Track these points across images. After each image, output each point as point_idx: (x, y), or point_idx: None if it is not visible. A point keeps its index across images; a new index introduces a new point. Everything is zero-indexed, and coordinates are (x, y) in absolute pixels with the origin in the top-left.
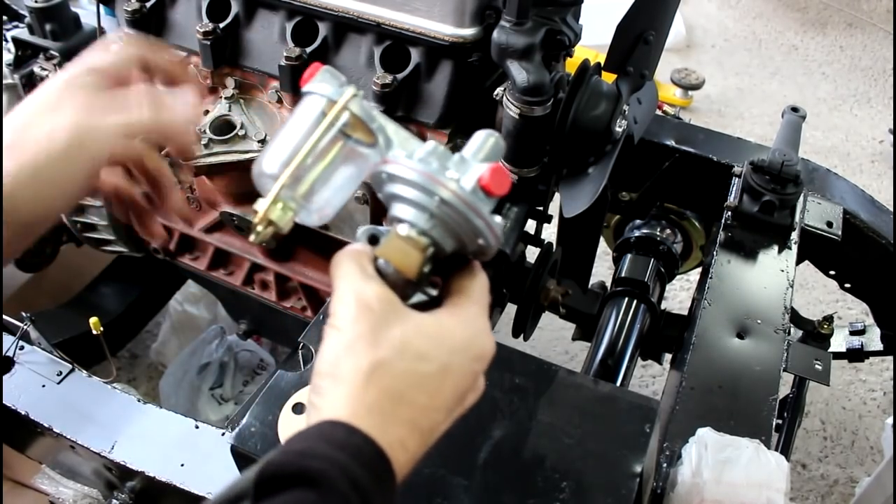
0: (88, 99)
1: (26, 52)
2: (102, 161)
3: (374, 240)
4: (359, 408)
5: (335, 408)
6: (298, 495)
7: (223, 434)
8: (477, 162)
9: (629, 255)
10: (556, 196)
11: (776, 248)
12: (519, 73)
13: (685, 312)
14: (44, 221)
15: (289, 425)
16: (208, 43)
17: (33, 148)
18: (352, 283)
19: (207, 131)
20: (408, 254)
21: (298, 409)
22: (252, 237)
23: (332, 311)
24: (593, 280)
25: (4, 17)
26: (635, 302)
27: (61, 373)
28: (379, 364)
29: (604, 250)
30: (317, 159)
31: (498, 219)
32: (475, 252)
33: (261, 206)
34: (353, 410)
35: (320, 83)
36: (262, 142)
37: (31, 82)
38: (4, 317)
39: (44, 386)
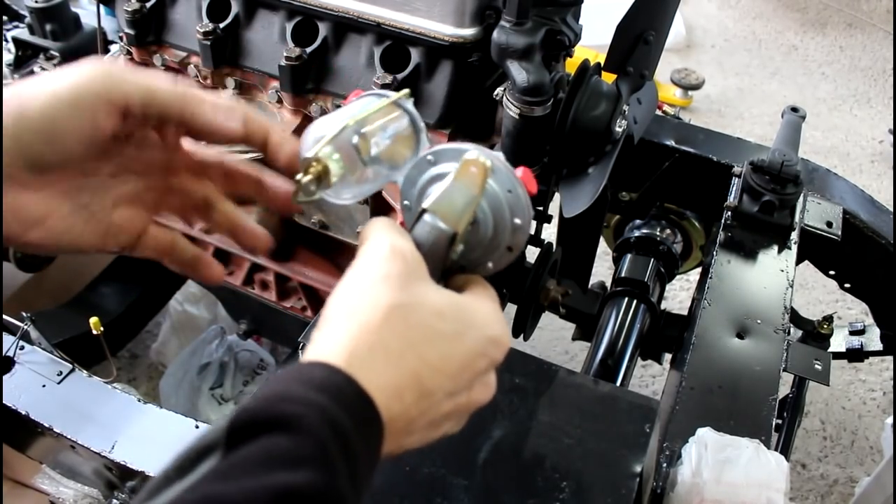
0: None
1: (26, 53)
2: (118, 106)
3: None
4: (361, 345)
5: (337, 340)
6: (271, 441)
7: None
8: None
9: (629, 255)
10: (556, 196)
11: (776, 248)
12: (519, 73)
13: (685, 312)
14: (57, 158)
15: None
16: (208, 43)
17: (50, 80)
18: (388, 235)
19: None
20: (463, 197)
21: None
22: (299, 193)
23: (360, 255)
24: (593, 280)
25: (4, 17)
26: (635, 302)
27: (61, 373)
28: (400, 306)
29: (604, 250)
30: (378, 125)
31: (532, 211)
32: (502, 251)
33: (319, 149)
34: (354, 347)
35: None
36: None
37: None
38: (4, 317)
39: (44, 386)
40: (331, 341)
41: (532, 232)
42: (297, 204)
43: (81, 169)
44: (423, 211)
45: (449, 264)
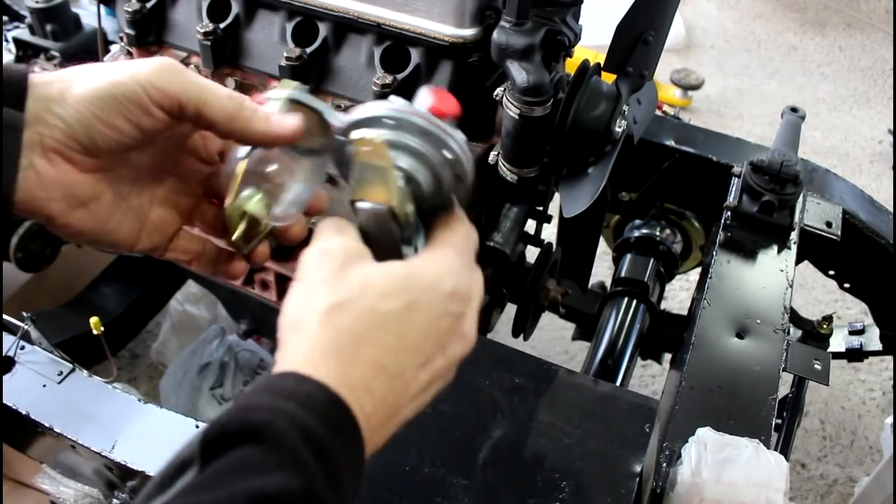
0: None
1: (27, 53)
2: (174, 101)
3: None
4: (314, 353)
5: (291, 358)
6: (243, 452)
7: None
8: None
9: (629, 255)
10: (556, 196)
11: (776, 248)
12: (519, 73)
13: (685, 312)
14: (111, 142)
15: None
16: (208, 43)
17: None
18: (318, 241)
19: None
20: (377, 174)
21: None
22: (241, 247)
23: (298, 267)
24: (593, 280)
25: (5, 18)
26: (635, 302)
27: (62, 373)
28: (337, 304)
29: (604, 250)
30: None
31: (459, 133)
32: (452, 185)
33: (231, 203)
34: (307, 357)
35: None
36: None
37: None
38: (5, 317)
39: (44, 386)
40: (288, 357)
41: (532, 232)
42: (247, 248)
43: (127, 160)
44: (353, 201)
45: (412, 224)
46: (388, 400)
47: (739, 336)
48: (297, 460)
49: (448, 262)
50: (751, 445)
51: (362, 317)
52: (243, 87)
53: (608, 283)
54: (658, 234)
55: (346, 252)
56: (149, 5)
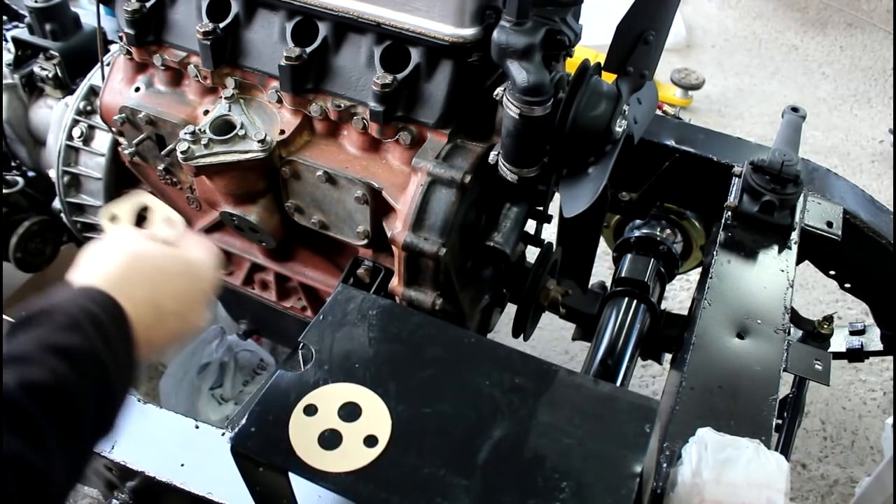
0: None
1: (26, 52)
2: None
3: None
4: (113, 275)
5: (94, 274)
6: (38, 322)
7: (223, 434)
8: None
9: (629, 255)
10: (556, 196)
11: (776, 248)
12: (519, 73)
13: (685, 312)
14: None
15: (300, 427)
16: (208, 43)
17: None
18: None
19: (207, 131)
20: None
21: (310, 410)
22: None
23: (110, 233)
24: (593, 280)
25: (4, 17)
26: (635, 302)
27: None
28: (140, 252)
29: (604, 250)
30: None
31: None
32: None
33: None
34: (106, 277)
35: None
36: (262, 141)
37: (31, 82)
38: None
39: None
40: (92, 273)
41: (532, 232)
42: None
43: None
44: None
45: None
46: (149, 316)
47: (740, 336)
48: (81, 326)
49: (203, 257)
50: (751, 446)
51: (151, 265)
52: (243, 87)
53: (608, 283)
54: (658, 234)
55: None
56: (148, 5)
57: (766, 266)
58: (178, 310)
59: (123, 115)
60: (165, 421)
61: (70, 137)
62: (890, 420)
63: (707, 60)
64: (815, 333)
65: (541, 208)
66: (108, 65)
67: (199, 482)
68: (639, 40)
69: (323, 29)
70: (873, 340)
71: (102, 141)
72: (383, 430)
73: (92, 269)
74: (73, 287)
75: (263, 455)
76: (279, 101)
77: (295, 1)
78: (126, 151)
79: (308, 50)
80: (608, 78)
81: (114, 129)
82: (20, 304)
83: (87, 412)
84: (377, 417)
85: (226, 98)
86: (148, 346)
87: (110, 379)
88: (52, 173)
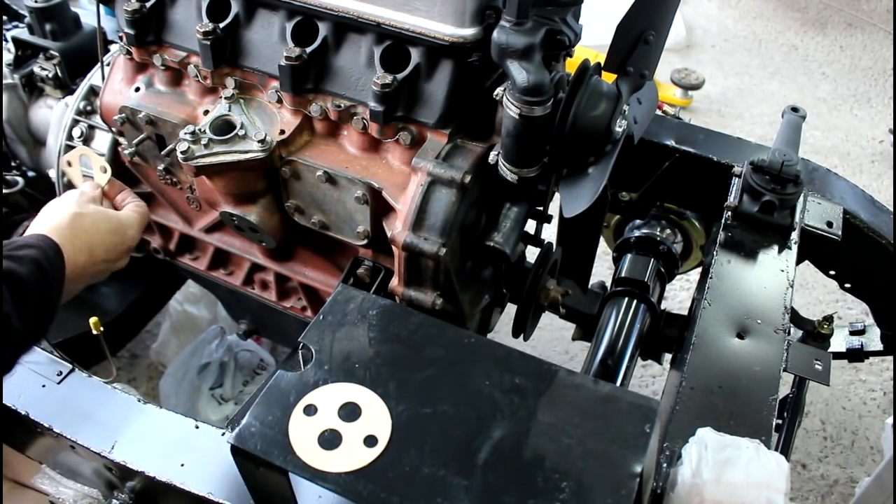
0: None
1: (26, 52)
2: None
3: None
4: (61, 227)
5: (45, 227)
6: (8, 254)
7: (223, 434)
8: None
9: (629, 255)
10: (556, 196)
11: (776, 248)
12: (519, 73)
13: (685, 312)
14: None
15: (300, 427)
16: (208, 43)
17: None
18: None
19: (207, 131)
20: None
21: (310, 410)
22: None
23: (62, 196)
24: (593, 280)
25: (4, 17)
26: (635, 302)
27: (61, 373)
28: (81, 212)
29: (604, 250)
30: None
31: None
32: None
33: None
34: (54, 229)
35: None
36: (262, 142)
37: (30, 82)
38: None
39: (44, 386)
40: (45, 224)
41: (532, 232)
42: None
43: None
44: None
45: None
46: (81, 257)
47: (740, 336)
48: (36, 259)
49: (123, 214)
50: (751, 446)
51: (90, 221)
52: (243, 87)
53: (608, 283)
54: (658, 234)
55: (86, 196)
56: (148, 5)
57: (766, 266)
58: (106, 256)
59: (123, 115)
60: (165, 421)
61: (70, 137)
62: (890, 420)
63: (707, 60)
64: (815, 333)
65: (541, 208)
66: (108, 65)
67: (199, 482)
68: (639, 40)
69: (323, 29)
70: (873, 340)
71: (102, 141)
72: (383, 430)
73: (46, 221)
74: (32, 233)
75: (263, 455)
76: (279, 101)
77: (295, 1)
78: (126, 151)
79: (308, 50)
80: (608, 78)
81: (114, 129)
82: None
83: (33, 294)
84: (377, 417)
85: (226, 98)
86: (84, 277)
87: (48, 280)
88: (52, 173)
